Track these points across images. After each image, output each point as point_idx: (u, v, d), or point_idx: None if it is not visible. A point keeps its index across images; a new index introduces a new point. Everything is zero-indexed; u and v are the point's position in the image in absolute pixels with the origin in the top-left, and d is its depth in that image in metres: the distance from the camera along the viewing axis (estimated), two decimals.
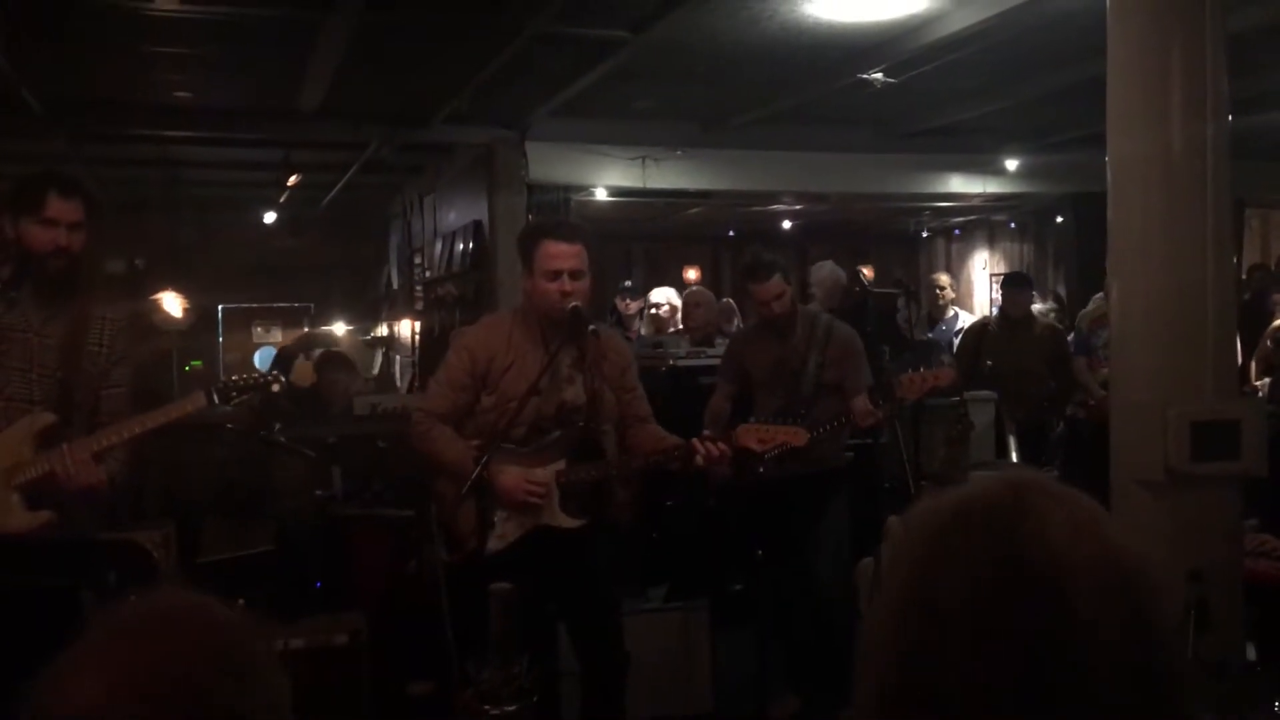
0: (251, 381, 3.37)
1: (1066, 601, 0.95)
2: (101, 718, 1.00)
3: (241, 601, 3.37)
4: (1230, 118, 3.23)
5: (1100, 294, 6.75)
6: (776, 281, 4.70)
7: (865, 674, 1.01)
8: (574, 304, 3.58)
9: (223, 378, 3.39)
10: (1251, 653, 3.22)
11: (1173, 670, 0.98)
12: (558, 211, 8.12)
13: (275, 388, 3.44)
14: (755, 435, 3.64)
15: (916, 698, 0.97)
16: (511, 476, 3.54)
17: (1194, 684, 1.02)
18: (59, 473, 3.13)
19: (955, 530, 1.01)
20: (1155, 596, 0.99)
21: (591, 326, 3.66)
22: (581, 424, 3.64)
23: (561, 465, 3.64)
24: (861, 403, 4.38)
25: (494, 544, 3.58)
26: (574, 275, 3.60)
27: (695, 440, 3.62)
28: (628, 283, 8.73)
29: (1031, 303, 7.63)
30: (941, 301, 9.15)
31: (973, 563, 0.98)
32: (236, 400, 3.38)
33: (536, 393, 3.54)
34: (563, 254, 3.61)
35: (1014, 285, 7.55)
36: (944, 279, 9.55)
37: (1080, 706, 0.93)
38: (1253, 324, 7.67)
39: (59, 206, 3.24)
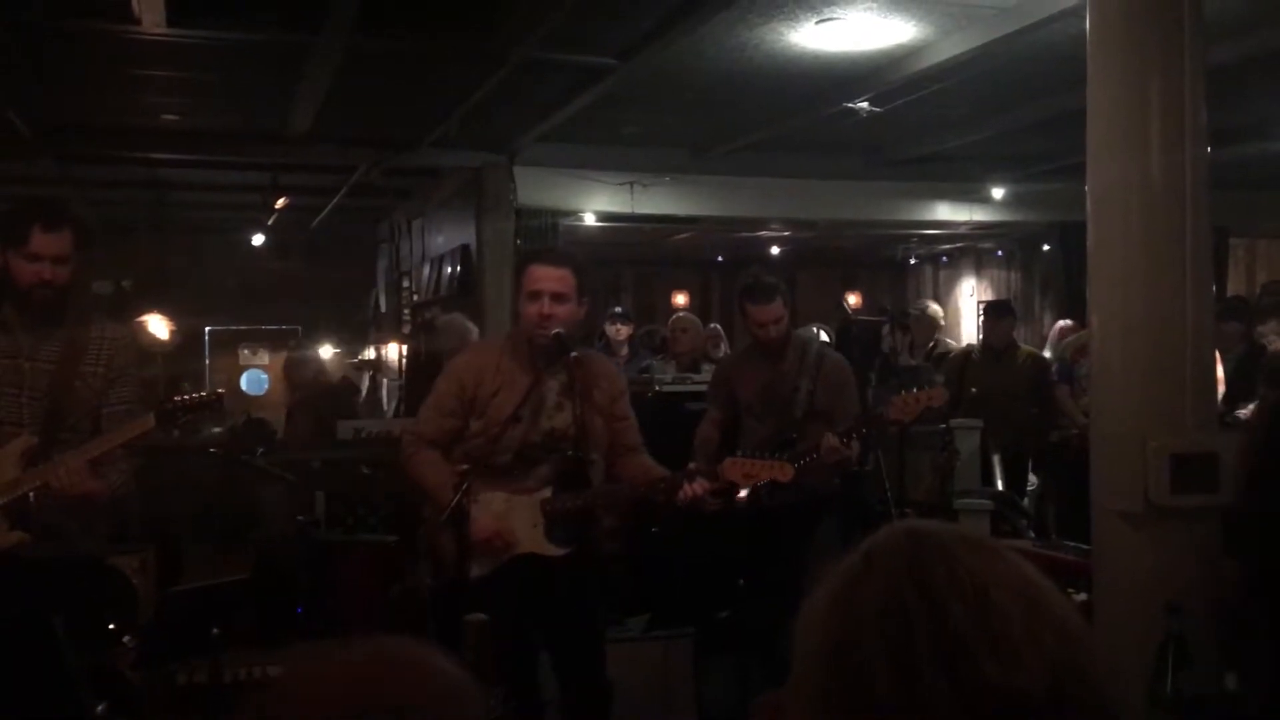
0: (198, 400, 3.33)
1: (990, 604, 0.98)
2: None
3: (216, 631, 3.37)
4: (1210, 149, 3.24)
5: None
6: (777, 305, 4.67)
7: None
8: (556, 330, 3.57)
9: (175, 397, 3.33)
10: (1232, 682, 3.21)
11: (1092, 669, 0.99)
12: (546, 236, 8.13)
13: (220, 406, 3.42)
14: (741, 470, 3.63)
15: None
16: (483, 521, 3.51)
17: (1117, 687, 1.04)
18: (54, 483, 3.12)
19: (864, 568, 1.04)
20: (1067, 605, 1.02)
21: (573, 353, 3.65)
22: (569, 453, 3.63)
23: (547, 493, 3.63)
24: (830, 440, 4.33)
25: (477, 570, 3.55)
26: (555, 298, 3.58)
27: (680, 475, 3.61)
28: (618, 308, 8.71)
29: (1013, 331, 7.65)
30: (937, 330, 9.14)
31: (889, 581, 1.01)
32: (184, 421, 3.35)
33: (517, 420, 3.52)
34: (545, 276, 3.61)
35: (995, 314, 7.58)
36: (937, 309, 9.57)
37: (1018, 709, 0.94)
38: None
39: (43, 241, 3.23)
